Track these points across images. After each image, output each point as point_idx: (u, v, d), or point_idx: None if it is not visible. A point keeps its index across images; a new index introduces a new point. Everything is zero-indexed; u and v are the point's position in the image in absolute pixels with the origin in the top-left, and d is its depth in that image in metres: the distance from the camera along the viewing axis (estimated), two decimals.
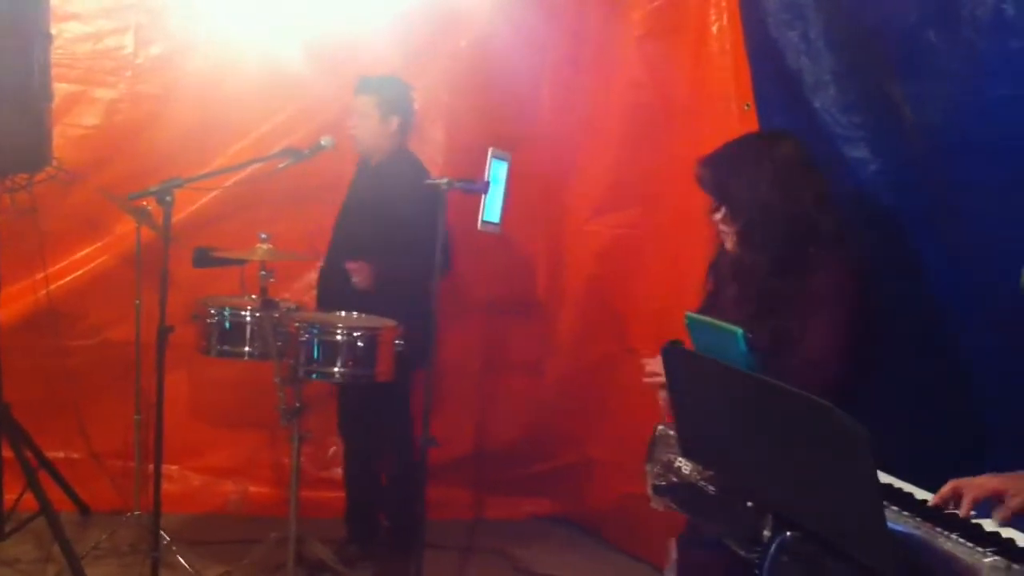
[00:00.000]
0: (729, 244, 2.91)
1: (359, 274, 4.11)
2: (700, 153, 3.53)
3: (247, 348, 3.96)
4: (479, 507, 5.15)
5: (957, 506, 2.08)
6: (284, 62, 4.72)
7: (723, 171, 2.91)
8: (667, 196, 4.35)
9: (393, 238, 4.05)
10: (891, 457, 2.65)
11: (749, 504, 2.15)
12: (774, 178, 2.80)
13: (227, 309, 3.97)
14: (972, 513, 2.05)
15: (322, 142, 4.01)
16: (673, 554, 2.82)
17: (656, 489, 2.55)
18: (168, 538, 4.15)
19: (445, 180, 3.49)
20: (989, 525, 2.07)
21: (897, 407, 2.96)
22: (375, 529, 4.62)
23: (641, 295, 4.46)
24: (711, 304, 3.00)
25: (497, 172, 3.46)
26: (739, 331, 2.23)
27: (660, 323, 4.06)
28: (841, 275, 2.75)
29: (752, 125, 3.82)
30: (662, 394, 2.74)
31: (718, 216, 2.92)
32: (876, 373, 2.84)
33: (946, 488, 2.12)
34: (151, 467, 3.86)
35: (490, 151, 3.45)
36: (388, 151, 4.36)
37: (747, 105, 3.84)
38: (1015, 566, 1.79)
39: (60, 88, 4.24)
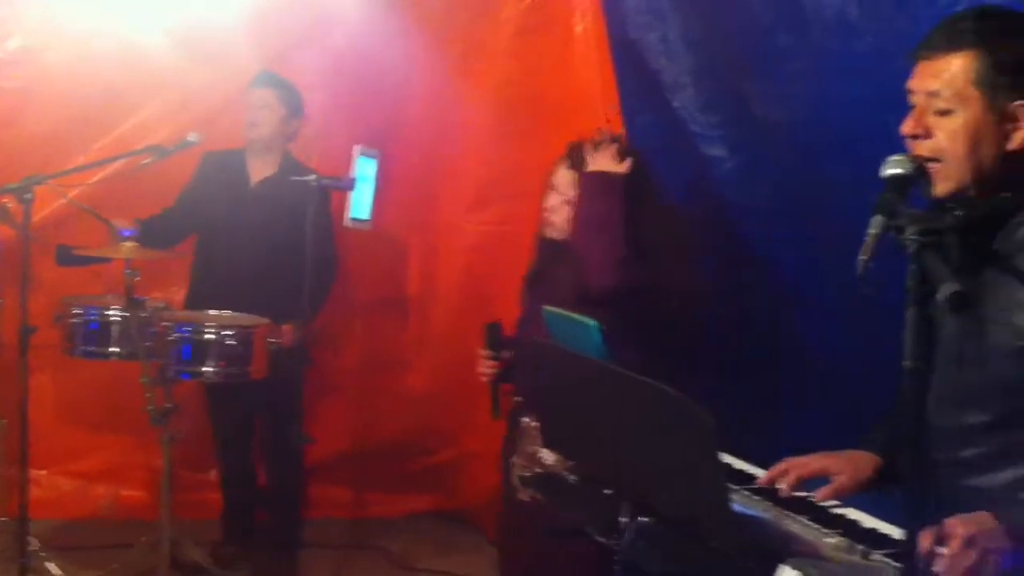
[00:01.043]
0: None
1: (288, 336, 4.11)
2: None
3: (113, 348, 3.87)
4: (359, 505, 5.14)
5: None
6: (150, 56, 4.62)
7: None
8: (538, 193, 4.40)
9: (295, 259, 3.92)
10: (748, 439, 2.78)
11: (607, 491, 2.21)
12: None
13: (92, 309, 3.87)
14: (835, 502, 2.14)
15: (189, 138, 3.96)
16: None
17: (522, 480, 2.60)
18: (37, 544, 4.04)
19: (313, 177, 3.50)
20: (839, 508, 2.17)
21: (751, 392, 3.08)
22: (252, 529, 4.58)
23: (511, 289, 4.51)
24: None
25: (364, 169, 3.47)
26: (594, 323, 2.30)
27: None
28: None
29: (617, 123, 3.92)
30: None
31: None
32: (725, 359, 2.97)
33: (779, 467, 2.22)
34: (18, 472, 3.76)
35: (356, 148, 3.47)
36: (277, 155, 4.33)
37: (612, 105, 3.95)
38: (857, 546, 1.89)
39: None
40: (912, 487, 1.49)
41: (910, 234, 1.56)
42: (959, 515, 1.84)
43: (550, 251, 3.30)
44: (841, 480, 2.19)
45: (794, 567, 1.71)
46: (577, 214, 3.14)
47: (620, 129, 3.78)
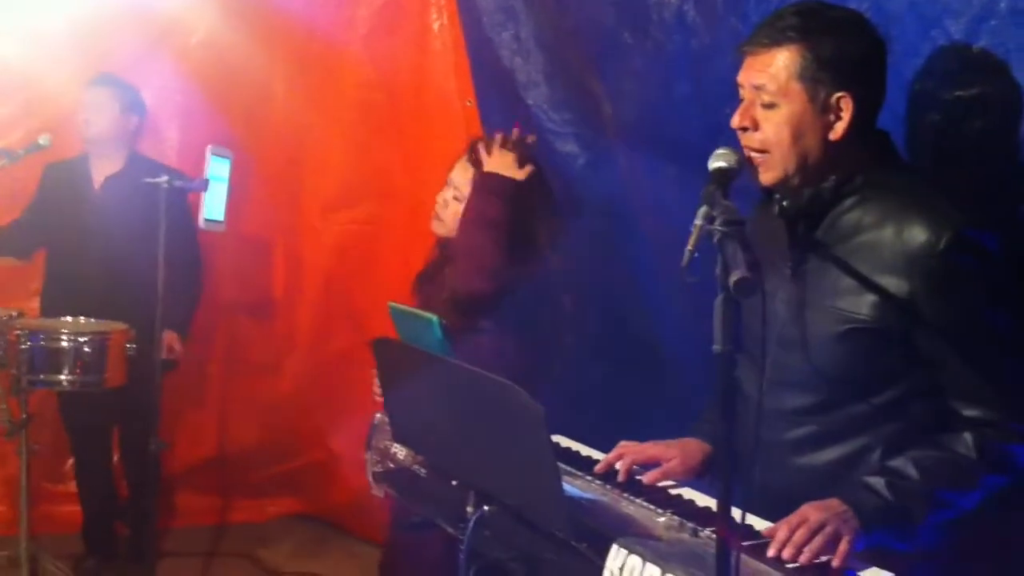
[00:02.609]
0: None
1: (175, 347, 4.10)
2: (429, 148, 3.66)
3: None
4: (224, 511, 5.08)
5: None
6: (3, 57, 4.51)
7: None
8: (399, 191, 4.45)
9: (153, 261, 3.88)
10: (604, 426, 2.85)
11: (454, 483, 2.24)
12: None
13: None
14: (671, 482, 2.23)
15: (40, 141, 3.89)
16: None
17: (375, 476, 2.62)
18: None
19: (165, 179, 3.45)
20: (675, 489, 2.26)
21: (603, 382, 3.16)
22: (114, 541, 4.50)
23: (377, 289, 4.52)
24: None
25: (217, 170, 3.44)
26: (435, 318, 2.33)
27: None
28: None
29: (475, 122, 3.96)
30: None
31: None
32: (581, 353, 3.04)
33: (614, 452, 2.30)
34: None
35: (209, 149, 3.44)
36: (120, 151, 4.27)
37: (469, 102, 3.98)
38: (687, 523, 1.96)
39: None
40: (724, 466, 1.55)
41: (716, 225, 1.63)
42: (811, 502, 1.93)
43: (443, 250, 3.18)
44: (671, 466, 2.28)
45: (623, 546, 1.76)
46: (464, 213, 3.01)
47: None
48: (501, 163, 2.99)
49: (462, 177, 3.07)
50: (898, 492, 1.93)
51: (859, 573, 1.83)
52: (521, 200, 2.95)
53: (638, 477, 2.25)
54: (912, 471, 1.95)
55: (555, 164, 3.53)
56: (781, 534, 1.88)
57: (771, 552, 1.87)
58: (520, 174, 2.98)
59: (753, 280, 1.53)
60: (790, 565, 1.83)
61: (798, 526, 1.88)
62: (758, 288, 1.55)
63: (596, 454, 2.48)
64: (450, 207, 3.08)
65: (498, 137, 3.05)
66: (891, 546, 1.94)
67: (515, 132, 3.05)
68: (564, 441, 2.61)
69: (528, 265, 2.95)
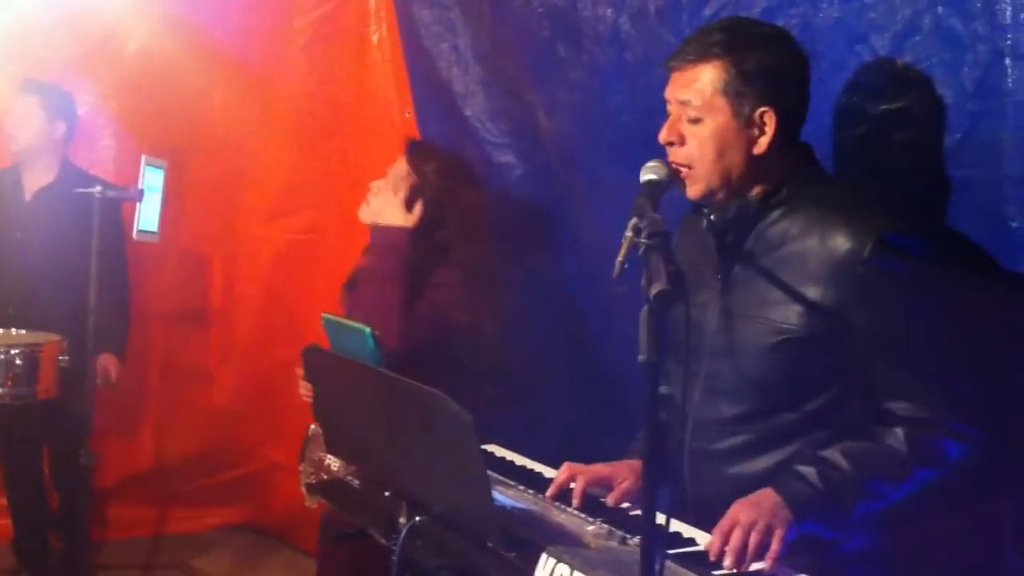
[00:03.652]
0: None
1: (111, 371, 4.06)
2: (368, 159, 3.66)
3: None
4: (161, 522, 5.03)
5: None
6: None
7: None
8: (339, 201, 4.43)
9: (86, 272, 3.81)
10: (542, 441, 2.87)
11: (387, 493, 2.24)
12: None
13: None
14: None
15: None
16: None
17: (309, 488, 2.61)
18: None
19: (98, 188, 3.42)
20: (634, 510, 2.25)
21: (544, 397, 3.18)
22: (46, 555, 4.43)
23: (316, 298, 4.50)
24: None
25: (152, 180, 3.40)
26: (367, 329, 2.34)
27: None
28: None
29: (413, 131, 3.97)
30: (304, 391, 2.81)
31: None
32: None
33: (562, 475, 2.28)
34: None
35: (143, 159, 3.41)
36: (51, 160, 4.20)
37: (408, 113, 3.99)
38: (616, 531, 1.98)
39: None
40: (648, 474, 1.57)
41: (641, 237, 1.66)
42: (742, 498, 1.96)
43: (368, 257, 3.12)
44: (627, 485, 2.26)
45: (552, 555, 1.77)
46: (363, 269, 3.02)
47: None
48: (387, 210, 2.98)
49: (396, 170, 3.06)
50: (829, 481, 1.95)
51: None
52: (418, 245, 2.93)
53: (602, 500, 2.24)
54: (843, 461, 1.98)
55: (493, 175, 3.55)
56: (716, 543, 1.90)
57: (712, 559, 1.89)
58: (410, 219, 2.96)
59: (672, 292, 1.55)
60: (716, 573, 1.85)
61: (730, 530, 1.90)
62: (677, 300, 1.57)
63: (533, 465, 2.50)
64: (381, 195, 3.04)
65: (391, 175, 3.02)
66: (822, 536, 1.97)
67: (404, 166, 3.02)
68: (499, 451, 2.63)
69: (432, 309, 2.91)
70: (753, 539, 1.87)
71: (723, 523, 1.93)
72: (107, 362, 4.06)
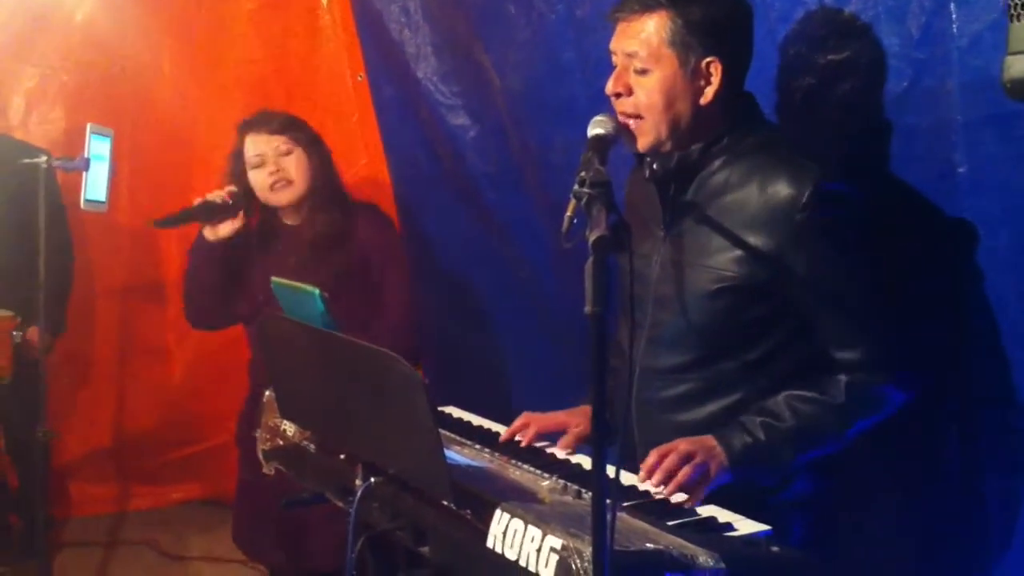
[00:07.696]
0: None
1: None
2: (320, 124, 3.61)
3: None
4: (124, 498, 5.00)
5: None
6: None
7: None
8: None
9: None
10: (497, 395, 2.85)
11: (342, 457, 2.23)
12: None
13: None
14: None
15: None
16: None
17: (265, 455, 2.59)
18: None
19: (44, 159, 3.36)
20: (561, 454, 2.28)
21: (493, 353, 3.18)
22: (6, 533, 4.39)
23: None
24: None
25: (98, 149, 3.34)
26: (316, 291, 2.32)
27: None
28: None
29: (365, 96, 3.93)
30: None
31: None
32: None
33: (517, 422, 2.32)
34: None
35: (88, 127, 3.34)
36: None
37: (360, 76, 3.94)
38: (571, 486, 1.98)
39: None
40: (597, 425, 1.56)
41: (583, 188, 1.66)
42: (685, 437, 2.02)
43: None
44: (580, 431, 2.31)
45: (507, 510, 1.77)
46: None
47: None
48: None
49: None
50: (770, 433, 2.01)
51: (697, 509, 1.91)
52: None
53: (551, 449, 2.29)
54: (787, 413, 2.03)
55: (447, 136, 3.52)
56: (651, 459, 1.97)
57: (640, 477, 1.97)
58: (222, 232, 3.33)
59: (610, 239, 1.55)
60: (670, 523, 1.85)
61: (667, 453, 1.97)
62: (618, 247, 1.57)
63: (490, 424, 2.50)
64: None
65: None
66: (757, 482, 2.04)
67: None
68: (456, 412, 2.62)
69: None
70: (685, 469, 1.94)
71: (662, 447, 2.00)
72: (32, 335, 3.96)
